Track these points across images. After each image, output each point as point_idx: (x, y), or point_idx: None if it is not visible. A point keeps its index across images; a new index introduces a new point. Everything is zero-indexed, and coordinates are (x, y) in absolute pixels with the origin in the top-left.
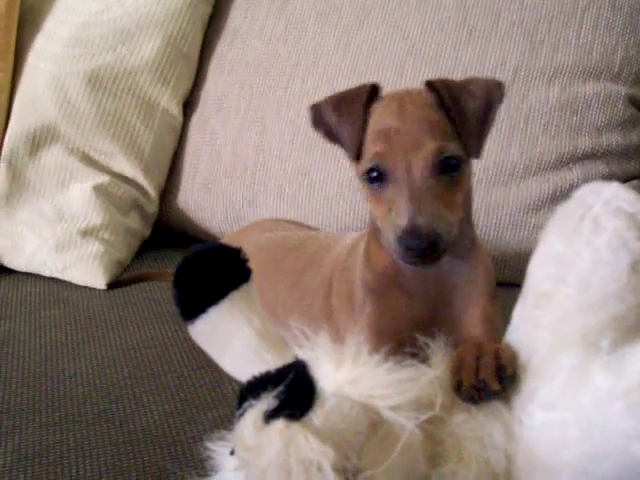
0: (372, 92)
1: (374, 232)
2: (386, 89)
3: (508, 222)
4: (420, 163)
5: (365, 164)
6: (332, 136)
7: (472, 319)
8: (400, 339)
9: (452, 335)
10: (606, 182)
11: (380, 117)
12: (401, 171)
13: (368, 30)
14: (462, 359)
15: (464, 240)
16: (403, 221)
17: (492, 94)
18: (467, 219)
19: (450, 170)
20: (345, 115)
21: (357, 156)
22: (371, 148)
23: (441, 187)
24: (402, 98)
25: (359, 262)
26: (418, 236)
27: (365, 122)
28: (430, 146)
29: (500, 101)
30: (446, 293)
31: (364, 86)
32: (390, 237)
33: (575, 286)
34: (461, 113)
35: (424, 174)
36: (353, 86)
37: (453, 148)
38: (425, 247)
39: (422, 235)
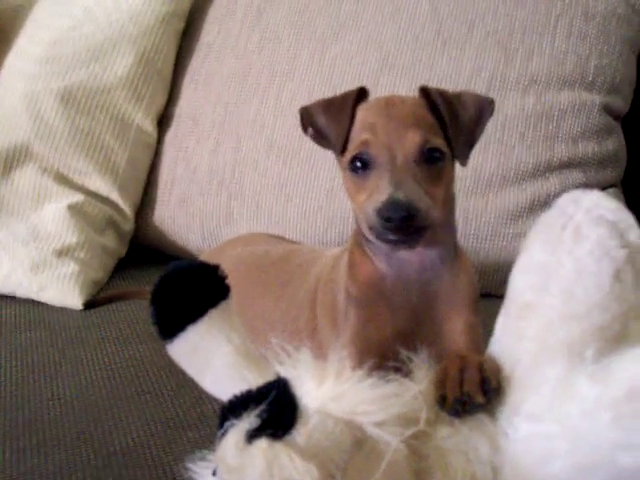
0: (361, 94)
1: (357, 241)
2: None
3: (487, 232)
4: (403, 151)
5: (351, 152)
6: (320, 136)
7: (455, 329)
8: (384, 349)
9: (435, 345)
10: (587, 190)
11: (367, 114)
12: (385, 159)
13: (342, 42)
14: (446, 372)
15: (446, 245)
16: (383, 196)
17: (483, 108)
18: (449, 224)
19: (433, 162)
20: (334, 114)
21: (343, 151)
22: (357, 138)
23: (423, 176)
24: (391, 98)
25: (343, 273)
26: (396, 206)
27: (352, 120)
28: (414, 136)
29: (490, 116)
30: (429, 302)
31: (354, 90)
32: (369, 212)
33: (558, 296)
34: (453, 119)
35: (408, 161)
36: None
37: (437, 141)
38: (404, 216)
39: (400, 205)
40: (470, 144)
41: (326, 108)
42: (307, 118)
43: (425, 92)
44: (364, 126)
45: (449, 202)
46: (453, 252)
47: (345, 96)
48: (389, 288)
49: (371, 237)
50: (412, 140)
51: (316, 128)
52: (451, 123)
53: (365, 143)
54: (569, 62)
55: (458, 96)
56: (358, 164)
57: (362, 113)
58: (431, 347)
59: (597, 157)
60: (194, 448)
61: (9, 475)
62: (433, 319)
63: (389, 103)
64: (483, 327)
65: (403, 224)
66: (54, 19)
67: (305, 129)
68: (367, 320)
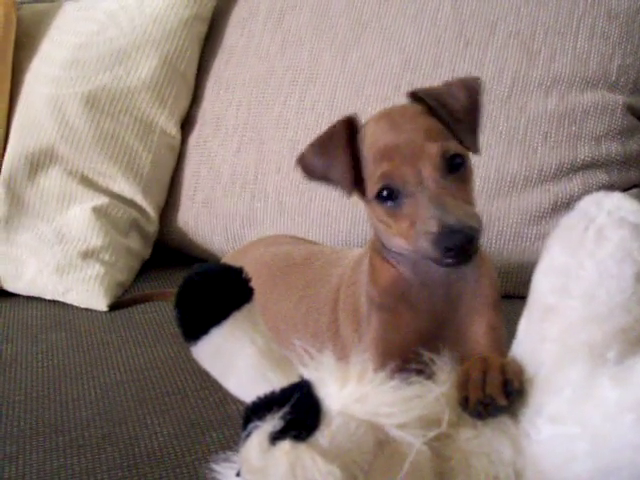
0: (351, 123)
1: (376, 248)
2: (384, 103)
3: (509, 233)
4: (428, 168)
5: (375, 187)
6: (326, 180)
7: (478, 330)
8: (407, 353)
9: (458, 347)
10: (608, 192)
11: (374, 140)
12: (413, 183)
13: (364, 45)
14: (468, 374)
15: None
16: (433, 227)
17: (472, 89)
18: None
19: (457, 168)
20: (330, 155)
21: (357, 187)
22: (376, 170)
23: (454, 186)
24: (389, 115)
25: (364, 277)
26: (454, 235)
27: (355, 153)
28: (433, 149)
29: (481, 93)
30: (453, 305)
31: (340, 121)
32: (424, 245)
33: (580, 298)
34: (451, 114)
35: (436, 177)
36: (333, 123)
37: (454, 146)
38: (464, 242)
39: (458, 232)
40: (474, 129)
41: (320, 151)
42: (305, 167)
43: (415, 97)
44: (378, 155)
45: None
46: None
47: (336, 132)
48: (414, 293)
49: (428, 260)
50: (432, 154)
51: (318, 175)
52: (450, 119)
53: (386, 175)
54: (592, 62)
55: (446, 88)
56: (386, 195)
57: (368, 141)
58: (454, 349)
59: (620, 157)
60: (218, 449)
61: (36, 475)
62: (456, 321)
63: (393, 121)
64: (506, 328)
65: (466, 248)
66: (78, 24)
67: (309, 176)
68: (390, 324)
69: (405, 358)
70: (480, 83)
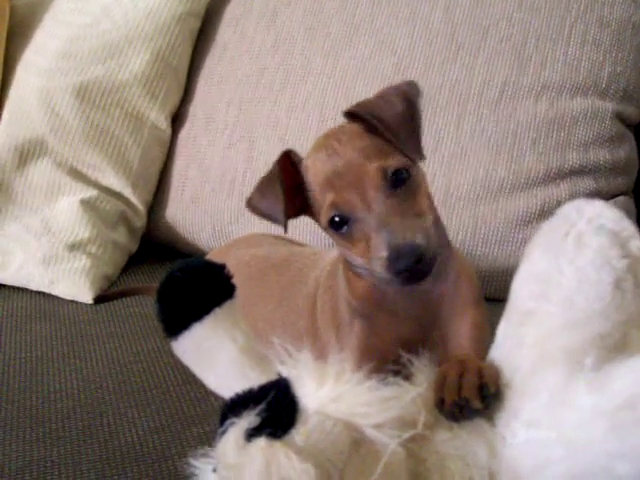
0: (288, 159)
1: (347, 264)
2: None
3: (496, 237)
4: (371, 190)
5: (324, 217)
6: (271, 219)
7: (461, 329)
8: (390, 358)
9: (443, 348)
10: (590, 200)
11: (315, 170)
12: (359, 207)
13: (356, 46)
14: (445, 376)
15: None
16: (382, 252)
17: (408, 94)
18: (437, 225)
19: (402, 182)
20: (269, 196)
21: (287, 222)
22: (323, 201)
23: (401, 201)
24: (327, 141)
25: (341, 284)
26: (402, 256)
27: (300, 185)
28: (372, 170)
29: (418, 97)
30: (433, 309)
31: (276, 161)
32: (377, 270)
33: (559, 304)
34: (387, 126)
35: (380, 198)
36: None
37: (394, 162)
38: (414, 263)
39: (404, 253)
40: (416, 137)
41: (261, 192)
42: (254, 209)
43: (351, 115)
44: (322, 186)
45: (431, 203)
46: (447, 252)
47: (271, 171)
48: (390, 300)
49: (384, 285)
50: (372, 176)
51: (265, 215)
52: (388, 131)
53: (333, 205)
54: (583, 69)
55: (380, 99)
56: (337, 221)
57: (310, 173)
58: (439, 351)
59: (609, 165)
60: (198, 444)
61: (15, 466)
62: (439, 324)
63: (329, 150)
64: (490, 332)
65: (417, 267)
66: (71, 16)
67: (264, 218)
68: (372, 331)
69: (388, 361)
70: (416, 87)
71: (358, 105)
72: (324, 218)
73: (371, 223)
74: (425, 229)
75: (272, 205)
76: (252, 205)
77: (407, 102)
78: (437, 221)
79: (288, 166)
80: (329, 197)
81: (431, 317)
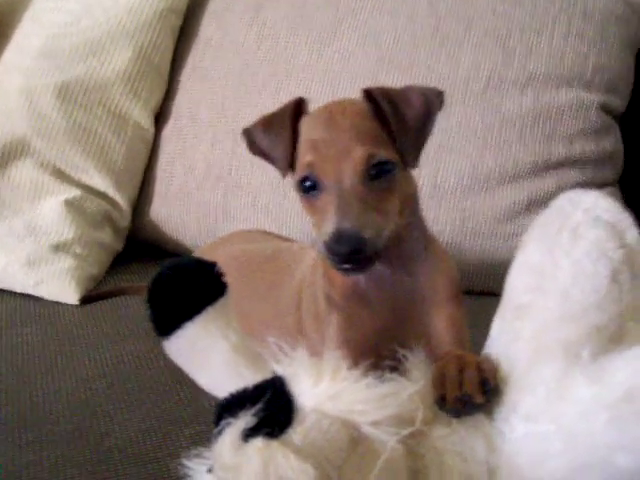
0: (299, 106)
1: None
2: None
3: (483, 230)
4: (349, 171)
5: (298, 174)
6: (266, 156)
7: (438, 325)
8: (366, 350)
9: (420, 342)
10: (584, 190)
11: (309, 129)
12: (332, 179)
13: (341, 39)
14: (444, 372)
15: (414, 243)
16: (329, 228)
17: (431, 104)
18: (414, 221)
19: (382, 175)
20: (274, 133)
21: (289, 170)
22: (302, 159)
23: (372, 193)
24: (332, 109)
25: (320, 277)
26: (342, 241)
27: (295, 136)
28: (359, 152)
29: (439, 109)
30: (407, 300)
31: (291, 103)
32: (319, 244)
33: (555, 297)
34: (399, 121)
35: (353, 180)
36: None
37: (384, 154)
38: (349, 252)
39: (346, 239)
40: (419, 144)
41: (266, 127)
42: (250, 140)
43: (368, 95)
44: (308, 145)
45: (410, 203)
46: (422, 247)
47: (283, 112)
48: (364, 291)
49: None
50: (357, 157)
51: (260, 150)
52: (397, 126)
53: (310, 165)
54: (567, 61)
55: (403, 94)
56: (307, 184)
57: (305, 128)
58: (416, 344)
59: (594, 156)
60: (190, 444)
61: (5, 470)
62: (415, 317)
63: (331, 116)
64: (480, 325)
65: (351, 257)
66: (51, 14)
67: (252, 151)
68: (349, 323)
69: (367, 353)
70: (442, 98)
71: (379, 88)
72: (297, 175)
73: (333, 198)
74: (378, 227)
75: (275, 145)
76: (251, 138)
77: (427, 108)
78: (417, 221)
79: (296, 112)
80: (308, 156)
81: (407, 310)
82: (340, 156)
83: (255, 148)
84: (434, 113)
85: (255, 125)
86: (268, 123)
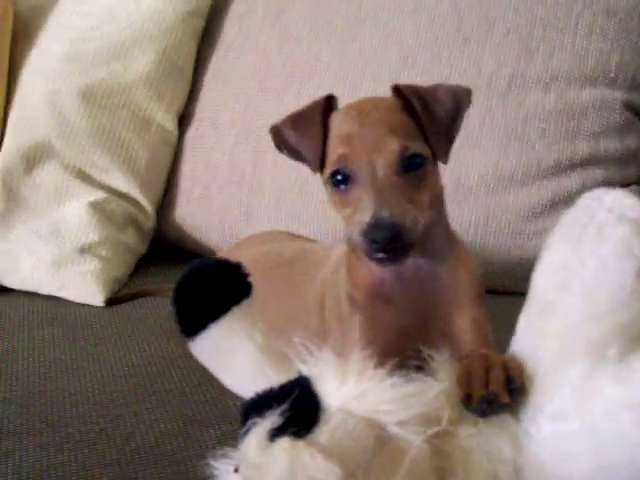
0: (328, 103)
1: (350, 250)
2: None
3: (507, 229)
4: (383, 162)
5: (329, 168)
6: (295, 154)
7: (461, 326)
8: (391, 350)
9: (443, 342)
10: (608, 189)
11: (341, 124)
12: (365, 172)
13: (363, 40)
14: (469, 371)
15: (439, 242)
16: (366, 216)
17: (460, 100)
18: (440, 221)
19: (414, 168)
20: (304, 130)
21: (320, 168)
22: (334, 152)
23: (406, 185)
24: (363, 104)
25: (343, 277)
26: (381, 227)
27: (326, 133)
28: (392, 145)
29: (468, 107)
30: (430, 300)
31: (320, 100)
32: (354, 234)
33: (581, 296)
34: (429, 116)
35: (387, 172)
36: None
37: (416, 146)
38: (389, 237)
39: (385, 226)
40: (449, 140)
41: (295, 124)
42: (278, 137)
43: (398, 91)
44: (340, 139)
45: (437, 201)
46: (447, 246)
47: (312, 108)
48: (388, 290)
49: (358, 253)
50: (391, 150)
51: (289, 147)
52: (427, 121)
53: (343, 158)
54: (590, 59)
55: (433, 91)
56: (339, 178)
57: (336, 124)
58: (438, 345)
59: (618, 154)
60: (216, 445)
61: (32, 471)
62: (437, 317)
63: (362, 111)
64: (505, 324)
65: (389, 245)
66: (76, 18)
67: (279, 148)
68: (371, 322)
69: (389, 353)
70: (470, 96)
71: (409, 85)
72: (329, 169)
73: (368, 189)
74: (414, 217)
75: (305, 142)
76: (279, 136)
77: (455, 105)
78: (441, 219)
79: (325, 110)
80: (341, 149)
81: (429, 309)
82: (373, 149)
83: (283, 145)
84: (463, 109)
85: (284, 122)
86: (298, 120)
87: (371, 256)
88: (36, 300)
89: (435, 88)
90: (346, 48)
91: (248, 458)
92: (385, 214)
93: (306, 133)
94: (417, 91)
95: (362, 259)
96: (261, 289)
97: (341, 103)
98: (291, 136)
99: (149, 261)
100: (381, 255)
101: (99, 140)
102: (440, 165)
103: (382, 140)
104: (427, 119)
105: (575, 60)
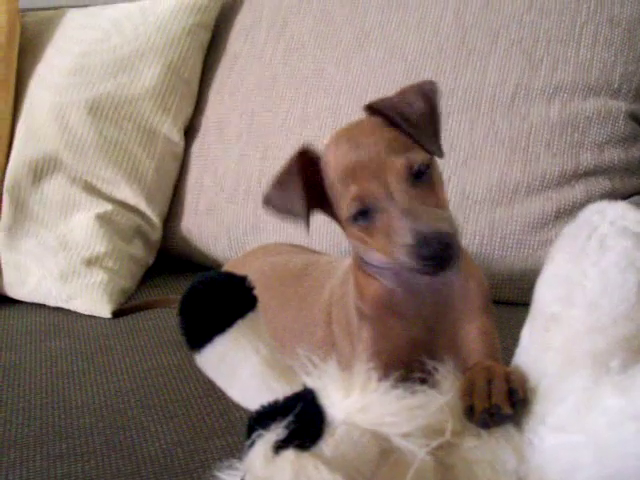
0: (307, 153)
1: (358, 263)
2: None
3: (512, 240)
4: (396, 182)
5: (348, 210)
6: (289, 214)
7: (470, 335)
8: (399, 362)
9: (452, 353)
10: (611, 202)
11: (337, 162)
12: (383, 198)
13: (367, 52)
14: (472, 383)
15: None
16: (408, 238)
17: (429, 94)
18: None
19: (423, 174)
20: (287, 190)
21: (308, 222)
22: (345, 193)
23: (422, 193)
24: (349, 133)
25: (350, 290)
26: (428, 243)
27: (318, 181)
28: (398, 163)
29: (437, 96)
30: (441, 311)
31: (292, 155)
32: (402, 258)
33: (583, 308)
34: (410, 122)
35: (404, 189)
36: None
37: (419, 157)
38: (441, 249)
39: (430, 239)
40: (436, 134)
41: (278, 189)
42: (271, 206)
43: (372, 109)
44: (343, 176)
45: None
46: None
47: (288, 167)
48: (400, 302)
49: (409, 271)
50: (398, 167)
51: (283, 212)
52: (410, 128)
53: (357, 197)
54: (594, 70)
55: (402, 97)
56: (360, 215)
57: (332, 165)
58: (447, 355)
59: (623, 165)
60: (222, 456)
61: None
62: (447, 328)
63: (352, 141)
64: (510, 335)
65: (444, 254)
66: (82, 32)
67: (280, 217)
68: (380, 335)
69: (398, 365)
70: (435, 86)
71: (380, 100)
72: (346, 211)
73: (395, 212)
74: (448, 218)
75: (291, 200)
76: (270, 202)
77: (427, 100)
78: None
79: (304, 161)
80: (352, 189)
81: (439, 320)
82: (381, 173)
83: (278, 211)
84: (435, 101)
85: (269, 189)
86: (279, 183)
87: (424, 272)
88: (43, 312)
89: (402, 93)
90: (351, 60)
91: (253, 470)
92: (425, 229)
93: (290, 192)
94: (390, 103)
95: (372, 275)
96: (267, 301)
97: (347, 114)
98: (279, 201)
99: (156, 273)
100: (433, 268)
101: (106, 152)
102: (444, 176)
103: (385, 162)
104: (409, 126)
105: (579, 71)
